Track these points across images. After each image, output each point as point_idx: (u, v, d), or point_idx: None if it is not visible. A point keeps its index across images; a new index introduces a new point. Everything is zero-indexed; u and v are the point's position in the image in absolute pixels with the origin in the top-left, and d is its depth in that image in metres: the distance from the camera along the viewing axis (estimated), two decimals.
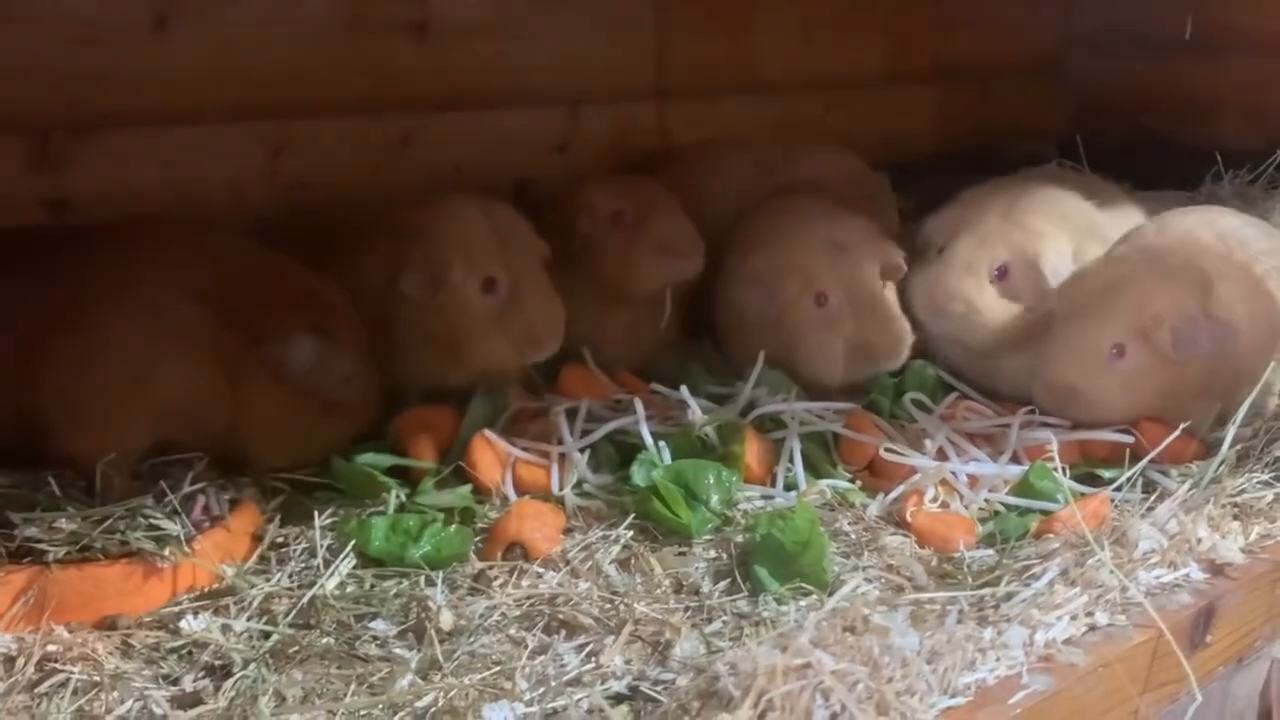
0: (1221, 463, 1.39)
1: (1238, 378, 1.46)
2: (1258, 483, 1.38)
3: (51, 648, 1.06)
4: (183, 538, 1.20)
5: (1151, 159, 2.38)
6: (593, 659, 1.06)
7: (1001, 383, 1.64)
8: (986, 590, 1.15)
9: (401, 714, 0.99)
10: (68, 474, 1.27)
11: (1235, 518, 1.33)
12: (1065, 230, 1.66)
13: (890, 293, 1.67)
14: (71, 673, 1.03)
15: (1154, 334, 1.46)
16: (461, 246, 1.49)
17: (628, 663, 1.06)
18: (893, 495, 1.39)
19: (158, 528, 1.21)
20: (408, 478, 1.38)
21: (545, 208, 1.71)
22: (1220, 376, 1.47)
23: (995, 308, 1.64)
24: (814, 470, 1.44)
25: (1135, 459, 1.40)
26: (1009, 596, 1.13)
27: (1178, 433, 1.40)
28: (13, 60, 1.52)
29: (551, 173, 2.03)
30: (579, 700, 1.00)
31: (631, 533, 1.28)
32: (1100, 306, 1.49)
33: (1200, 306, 1.45)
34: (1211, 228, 1.56)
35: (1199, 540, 1.26)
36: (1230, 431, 1.40)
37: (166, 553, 1.17)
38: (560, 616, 1.12)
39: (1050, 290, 1.61)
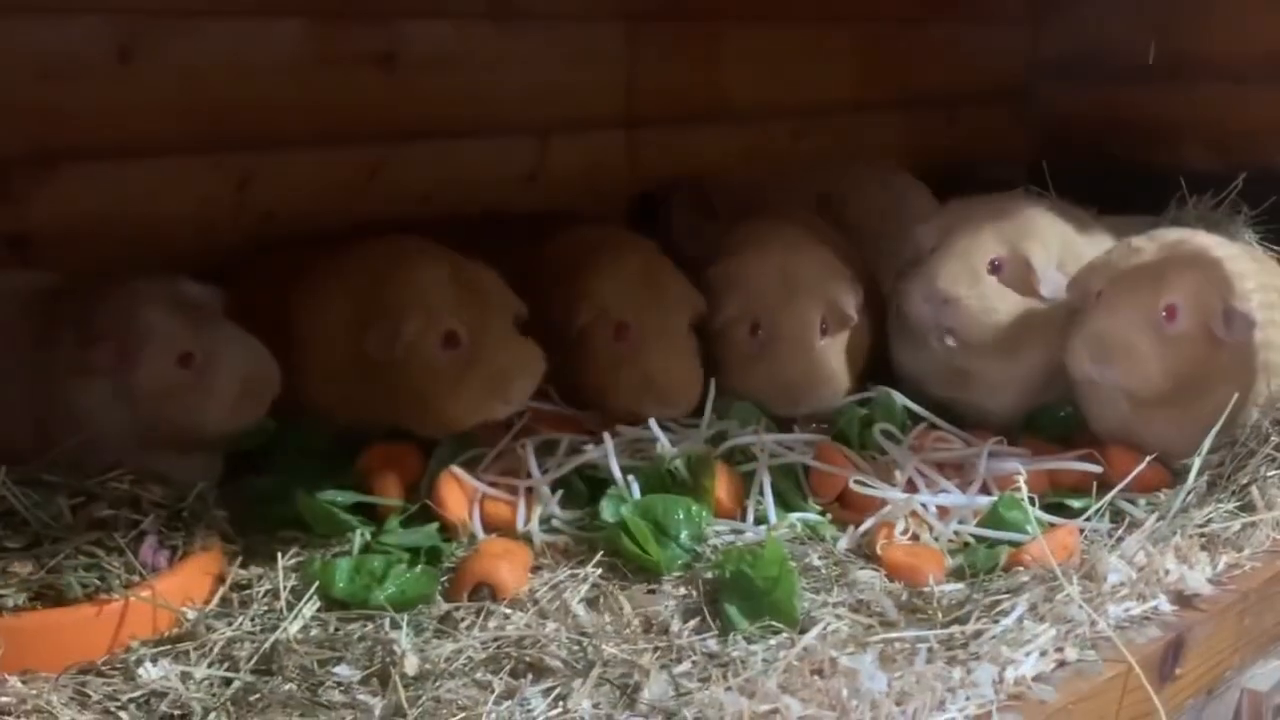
0: (1189, 492, 1.40)
1: (1254, 370, 1.50)
2: (1225, 512, 1.39)
3: (4, 699, 1.03)
4: (142, 578, 1.17)
5: (1116, 184, 2.40)
6: (560, 703, 1.04)
7: (992, 378, 1.64)
8: (956, 627, 1.14)
9: None
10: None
11: (1203, 548, 1.33)
12: (1052, 235, 1.67)
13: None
14: None
15: (1203, 313, 1.47)
16: (420, 302, 1.44)
17: (596, 706, 1.04)
18: (863, 528, 1.38)
19: (112, 569, 1.19)
20: (375, 516, 1.37)
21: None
22: (1242, 368, 1.50)
23: (994, 296, 1.62)
24: (784, 503, 1.43)
25: (1103, 487, 1.40)
26: (978, 634, 1.13)
27: (1146, 463, 1.40)
28: None
29: (521, 203, 2.02)
30: None
31: (600, 570, 1.27)
32: (1145, 278, 1.49)
33: (1224, 297, 1.47)
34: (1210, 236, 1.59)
35: (1167, 572, 1.27)
36: (1196, 463, 1.41)
37: (123, 594, 1.15)
38: (527, 659, 1.10)
39: (1051, 284, 1.61)
